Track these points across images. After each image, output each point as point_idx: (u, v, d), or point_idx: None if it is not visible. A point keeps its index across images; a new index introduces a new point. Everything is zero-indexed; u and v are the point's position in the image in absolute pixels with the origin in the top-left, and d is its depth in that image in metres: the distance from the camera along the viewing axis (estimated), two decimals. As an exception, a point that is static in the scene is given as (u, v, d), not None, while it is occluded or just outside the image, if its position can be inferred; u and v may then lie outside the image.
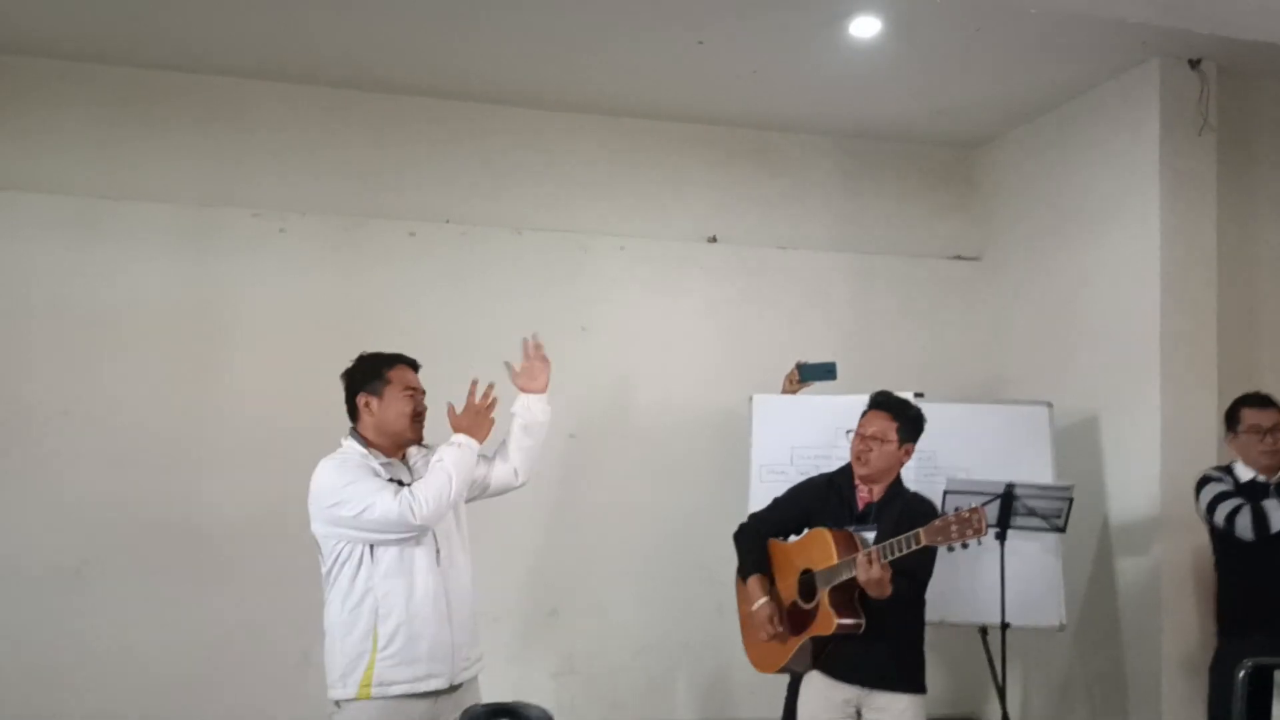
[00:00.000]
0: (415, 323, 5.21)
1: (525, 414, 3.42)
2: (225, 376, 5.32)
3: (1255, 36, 3.97)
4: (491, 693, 3.29)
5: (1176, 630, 4.76)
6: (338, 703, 3.13)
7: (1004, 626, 4.50)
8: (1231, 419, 4.29)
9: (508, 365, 3.43)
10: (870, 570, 3.24)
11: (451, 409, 3.28)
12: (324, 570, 3.18)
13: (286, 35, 4.94)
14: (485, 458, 3.39)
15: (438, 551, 3.18)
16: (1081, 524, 4.85)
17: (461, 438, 3.21)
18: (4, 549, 5.04)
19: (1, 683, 5.00)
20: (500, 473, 3.42)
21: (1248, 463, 4.21)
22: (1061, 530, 4.59)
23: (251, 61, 5.25)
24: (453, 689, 3.17)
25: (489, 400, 3.29)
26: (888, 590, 3.29)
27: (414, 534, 3.09)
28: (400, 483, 3.14)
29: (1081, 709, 5.28)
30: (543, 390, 3.44)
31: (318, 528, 3.15)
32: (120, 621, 5.10)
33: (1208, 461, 4.53)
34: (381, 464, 3.17)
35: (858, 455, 3.61)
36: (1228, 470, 4.25)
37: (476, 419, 3.25)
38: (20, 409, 5.11)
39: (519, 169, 5.79)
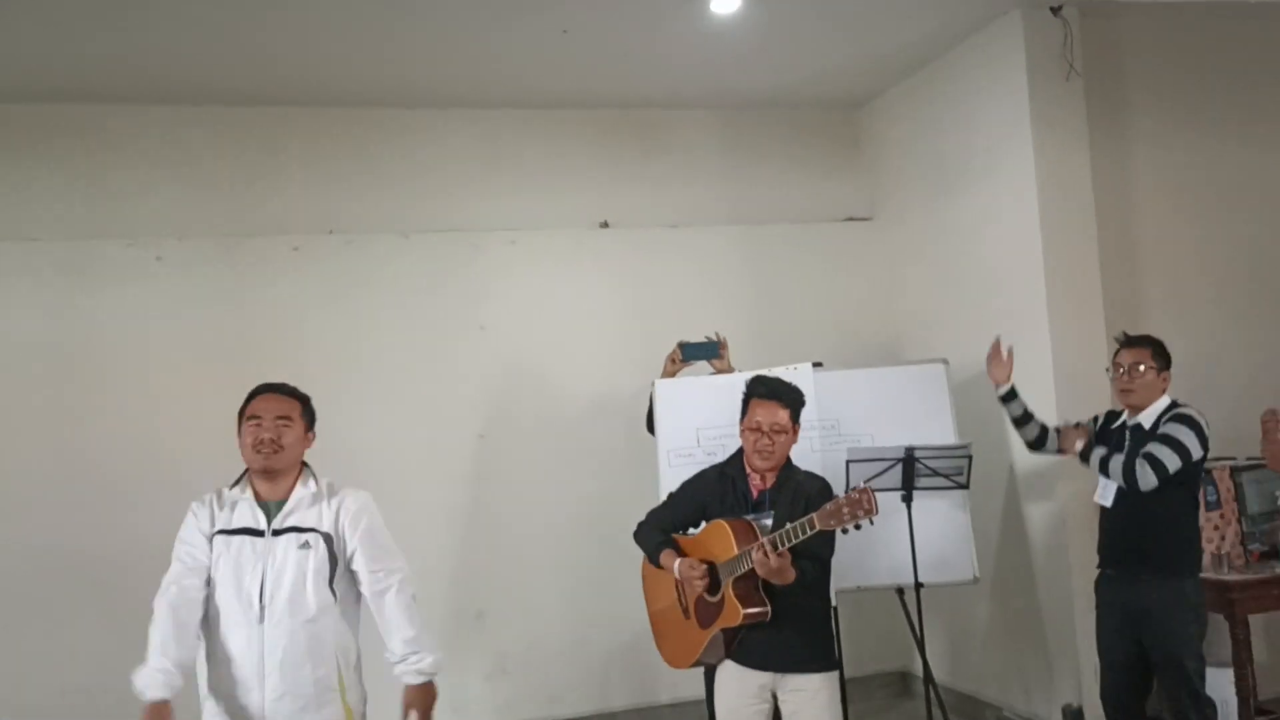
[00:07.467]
0: (302, 341, 5.10)
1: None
2: (109, 416, 5.17)
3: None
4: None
5: (1083, 568, 4.83)
6: None
7: (918, 586, 4.56)
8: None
9: None
10: (768, 563, 3.24)
11: None
12: None
13: (138, 55, 4.78)
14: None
15: (262, 607, 2.98)
16: (989, 475, 4.91)
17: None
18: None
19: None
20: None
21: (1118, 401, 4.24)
22: (965, 487, 4.65)
23: (107, 85, 5.09)
24: None
25: None
26: (790, 576, 3.28)
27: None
28: (249, 530, 3.03)
29: (1002, 653, 5.38)
30: None
31: None
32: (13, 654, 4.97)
33: (1100, 399, 4.58)
34: (235, 501, 3.07)
35: (761, 451, 3.53)
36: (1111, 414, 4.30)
37: None
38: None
39: (400, 171, 5.70)
